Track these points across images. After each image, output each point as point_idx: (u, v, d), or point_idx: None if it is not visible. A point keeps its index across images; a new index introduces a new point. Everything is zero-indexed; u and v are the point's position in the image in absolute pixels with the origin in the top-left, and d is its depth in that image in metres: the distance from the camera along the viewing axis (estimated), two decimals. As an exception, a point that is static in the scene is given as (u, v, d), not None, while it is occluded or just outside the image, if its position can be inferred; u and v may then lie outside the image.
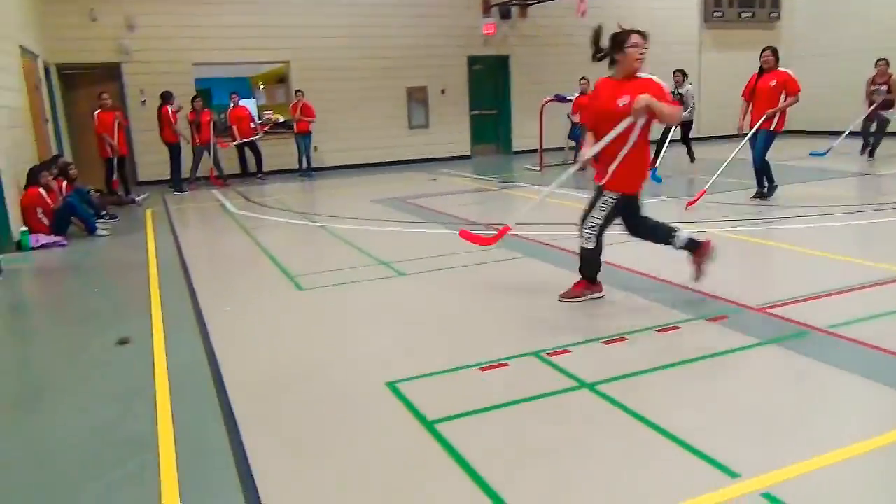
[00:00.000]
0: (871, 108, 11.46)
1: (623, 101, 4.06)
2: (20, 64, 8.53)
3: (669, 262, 5.53)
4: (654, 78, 4.14)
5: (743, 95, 7.95)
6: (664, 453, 2.56)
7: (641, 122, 4.06)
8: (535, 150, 12.97)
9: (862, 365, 3.26)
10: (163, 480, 2.55)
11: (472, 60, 15.18)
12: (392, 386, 3.24)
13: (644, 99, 3.93)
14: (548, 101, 12.71)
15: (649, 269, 5.07)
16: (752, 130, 7.66)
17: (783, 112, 7.54)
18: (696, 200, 7.69)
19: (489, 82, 15.62)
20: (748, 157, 7.93)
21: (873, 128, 11.67)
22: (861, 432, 2.67)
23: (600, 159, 4.29)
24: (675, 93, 10.62)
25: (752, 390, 3.10)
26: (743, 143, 7.85)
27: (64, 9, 11.70)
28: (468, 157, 15.28)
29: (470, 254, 5.93)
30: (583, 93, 12.12)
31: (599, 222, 4.27)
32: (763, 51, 7.74)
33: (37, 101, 9.36)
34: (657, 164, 10.09)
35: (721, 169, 8.03)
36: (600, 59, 4.28)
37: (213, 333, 4.16)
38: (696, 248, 4.43)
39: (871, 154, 11.71)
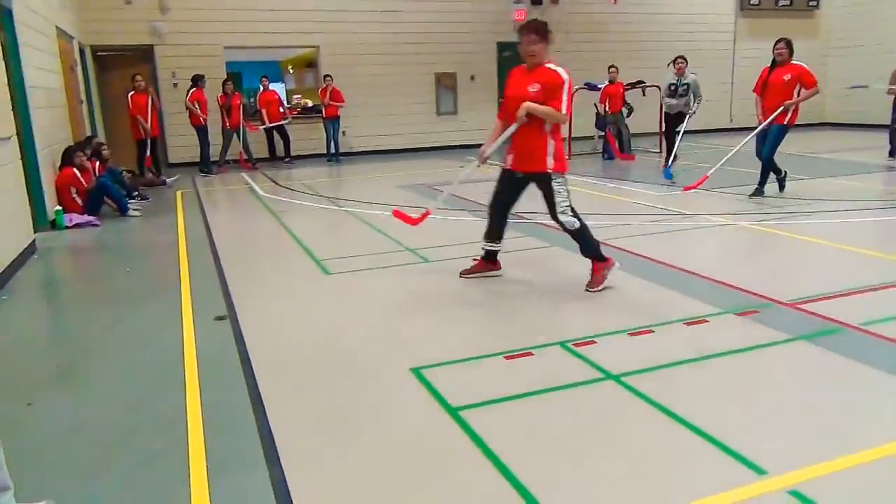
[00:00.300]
0: None
1: (533, 87, 4.27)
2: (57, 45, 8.66)
3: (699, 254, 5.47)
4: (559, 70, 4.29)
5: (754, 90, 7.60)
6: (690, 447, 2.54)
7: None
8: (563, 139, 12.86)
9: (895, 364, 3.20)
10: (191, 457, 2.60)
11: (502, 47, 15.06)
12: (417, 371, 3.25)
13: (525, 107, 4.21)
14: (578, 90, 12.57)
15: (677, 262, 5.02)
16: (764, 124, 7.36)
17: (797, 106, 7.26)
18: (696, 186, 7.76)
19: (518, 69, 15.49)
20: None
21: None
22: (893, 432, 2.62)
23: (533, 152, 4.41)
24: (680, 83, 9.58)
25: (781, 387, 3.06)
26: (751, 136, 7.60)
27: (99, -9, 11.85)
28: (496, 145, 15.19)
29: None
30: (611, 82, 11.99)
31: (568, 203, 4.46)
32: (776, 43, 7.37)
33: (72, 82, 9.51)
34: (670, 164, 9.37)
35: (726, 158, 8.00)
36: None
37: (240, 314, 4.21)
38: (492, 256, 4.82)
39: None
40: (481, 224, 6.68)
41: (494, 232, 4.78)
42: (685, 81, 9.59)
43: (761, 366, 3.29)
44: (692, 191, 7.94)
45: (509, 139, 4.51)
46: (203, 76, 11.54)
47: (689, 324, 3.79)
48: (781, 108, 7.18)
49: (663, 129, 10.42)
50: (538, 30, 4.32)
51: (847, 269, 4.88)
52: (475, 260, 4.95)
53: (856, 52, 16.66)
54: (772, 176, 7.67)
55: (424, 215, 5.14)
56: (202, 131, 11.56)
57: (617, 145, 11.93)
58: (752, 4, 16.86)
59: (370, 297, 4.65)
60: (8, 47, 6.35)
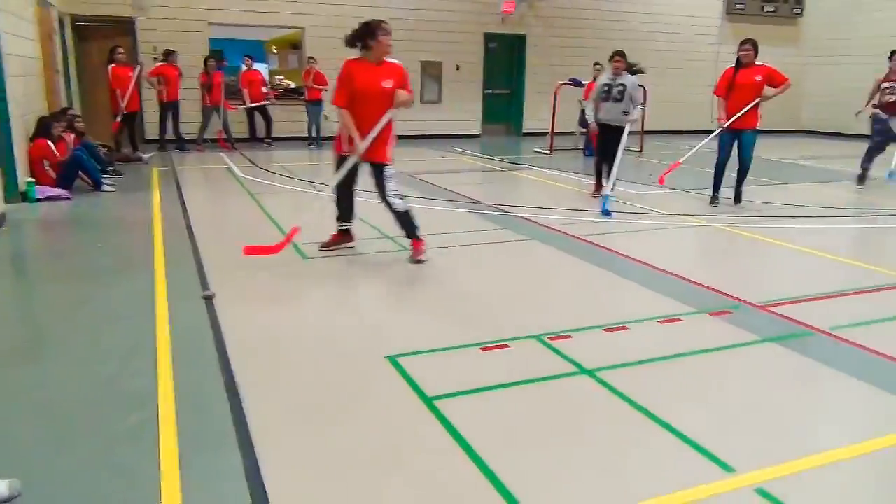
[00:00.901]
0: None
1: (387, 83, 4.76)
2: (35, 13, 8.44)
3: (674, 254, 5.54)
4: (401, 63, 4.93)
5: (718, 93, 7.33)
6: (660, 443, 2.58)
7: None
8: (545, 133, 12.90)
9: (860, 368, 3.27)
10: (162, 438, 2.57)
11: (489, 37, 15.03)
12: (392, 360, 3.25)
13: (403, 95, 4.78)
14: (562, 85, 12.61)
15: (652, 260, 5.07)
16: (728, 123, 7.09)
17: (759, 109, 7.12)
18: (668, 171, 7.89)
19: (504, 62, 15.48)
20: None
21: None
22: (857, 434, 2.70)
23: (381, 144, 4.88)
24: (615, 84, 7.46)
25: (750, 387, 3.11)
26: (714, 134, 7.39)
27: (80, -41, 11.57)
28: (477, 136, 15.19)
29: (475, 233, 5.94)
30: (595, 79, 12.01)
31: (399, 189, 5.02)
32: (742, 43, 7.17)
33: (49, 51, 9.28)
34: (610, 191, 7.08)
35: (696, 148, 7.98)
36: (352, 46, 4.90)
37: (215, 297, 4.16)
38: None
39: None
40: (460, 213, 6.74)
41: (347, 213, 5.27)
42: (621, 82, 7.47)
43: (732, 366, 3.35)
44: (666, 176, 8.05)
45: (352, 127, 4.82)
46: (173, 52, 11.31)
47: (663, 322, 3.84)
48: (759, 99, 6.99)
49: (595, 144, 8.02)
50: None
51: (817, 273, 4.97)
52: (332, 235, 5.31)
53: (840, 60, 16.90)
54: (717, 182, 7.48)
55: (289, 236, 4.97)
56: (165, 107, 11.39)
57: (598, 142, 11.98)
58: (738, 9, 17.01)
59: (347, 283, 4.63)
60: (-17, 12, 6.18)
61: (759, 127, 7.27)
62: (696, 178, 8.65)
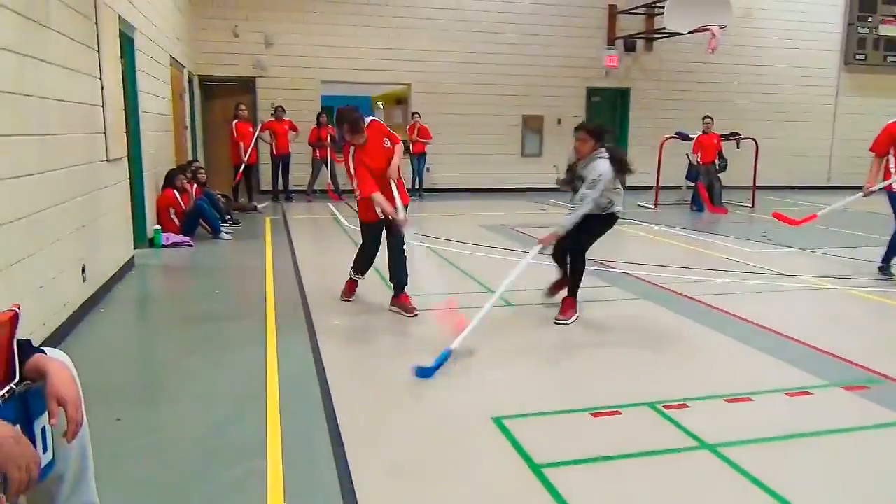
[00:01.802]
0: None
1: (386, 143, 4.98)
2: (169, 73, 9.19)
3: (799, 319, 5.15)
4: (373, 118, 5.11)
5: (876, 149, 6.33)
6: (797, 534, 2.33)
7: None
8: (649, 187, 12.58)
9: None
10: (269, 489, 2.58)
11: (591, 92, 15.01)
12: (499, 422, 3.15)
13: (396, 172, 4.98)
14: (669, 139, 12.33)
15: (775, 325, 4.72)
16: (892, 181, 6.15)
17: None
18: (800, 221, 7.22)
19: (607, 115, 15.37)
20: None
21: None
22: None
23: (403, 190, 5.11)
24: (577, 174, 4.93)
25: (894, 475, 2.78)
26: (862, 195, 6.47)
27: (211, 24, 12.58)
28: (579, 189, 15.04)
29: (582, 290, 5.76)
30: (705, 132, 11.69)
31: None
32: None
33: (179, 108, 10.05)
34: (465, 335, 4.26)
35: (839, 204, 7.00)
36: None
37: (322, 346, 4.23)
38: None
39: None
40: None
41: (367, 267, 5.39)
42: (581, 173, 4.86)
43: (873, 448, 3.02)
44: (794, 226, 7.43)
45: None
46: (282, 108, 12.07)
47: (791, 394, 3.53)
48: None
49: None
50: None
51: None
52: (349, 283, 5.41)
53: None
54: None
55: None
56: (275, 160, 12.09)
57: (708, 197, 11.57)
58: (858, 59, 16.18)
59: (451, 337, 4.58)
60: (127, 74, 6.77)
61: None
62: (817, 238, 8.12)
